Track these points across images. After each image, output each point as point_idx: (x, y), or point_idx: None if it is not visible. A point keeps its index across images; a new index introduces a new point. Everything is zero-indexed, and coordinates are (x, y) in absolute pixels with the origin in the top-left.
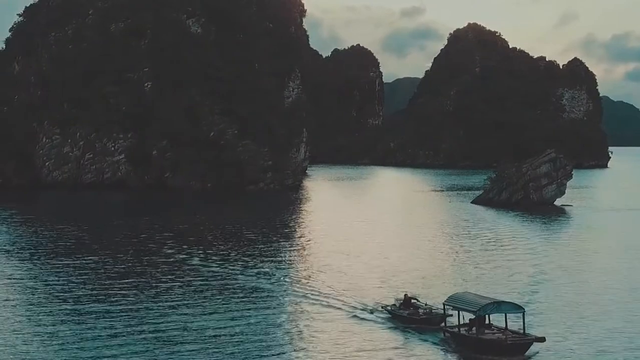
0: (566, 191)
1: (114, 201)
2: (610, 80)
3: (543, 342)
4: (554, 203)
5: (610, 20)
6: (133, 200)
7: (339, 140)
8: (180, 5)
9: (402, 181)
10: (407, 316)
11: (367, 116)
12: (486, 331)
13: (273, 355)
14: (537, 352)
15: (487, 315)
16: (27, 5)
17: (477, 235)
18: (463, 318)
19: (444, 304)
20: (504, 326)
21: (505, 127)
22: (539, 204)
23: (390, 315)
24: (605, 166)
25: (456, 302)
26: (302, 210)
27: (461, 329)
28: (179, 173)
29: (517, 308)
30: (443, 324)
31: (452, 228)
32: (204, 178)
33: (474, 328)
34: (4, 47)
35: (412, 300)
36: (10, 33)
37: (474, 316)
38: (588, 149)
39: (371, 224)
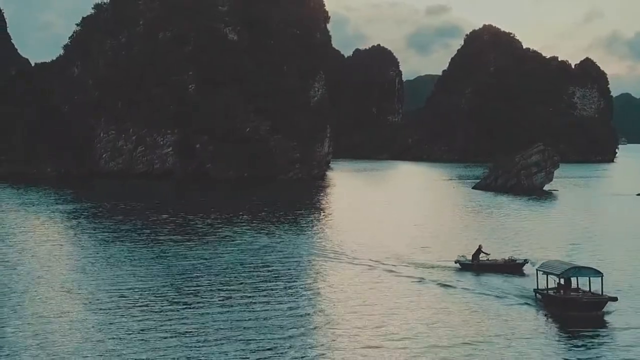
0: (554, 179)
1: (164, 188)
2: (634, 77)
3: (616, 301)
4: (543, 188)
5: (635, 17)
6: (180, 186)
7: (359, 136)
8: (219, 15)
9: (416, 173)
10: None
11: (387, 113)
12: (571, 293)
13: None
14: (614, 310)
15: (571, 279)
16: (84, 16)
17: (479, 210)
18: (553, 282)
19: (537, 270)
20: (588, 289)
21: (516, 124)
22: (529, 189)
23: (461, 267)
24: (612, 161)
25: (546, 267)
26: (330, 193)
27: (550, 291)
28: (218, 164)
29: (597, 273)
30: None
31: (456, 206)
32: (240, 168)
33: (560, 290)
34: (63, 52)
35: (481, 254)
36: (69, 40)
37: (562, 280)
38: (596, 145)
39: (391, 203)
